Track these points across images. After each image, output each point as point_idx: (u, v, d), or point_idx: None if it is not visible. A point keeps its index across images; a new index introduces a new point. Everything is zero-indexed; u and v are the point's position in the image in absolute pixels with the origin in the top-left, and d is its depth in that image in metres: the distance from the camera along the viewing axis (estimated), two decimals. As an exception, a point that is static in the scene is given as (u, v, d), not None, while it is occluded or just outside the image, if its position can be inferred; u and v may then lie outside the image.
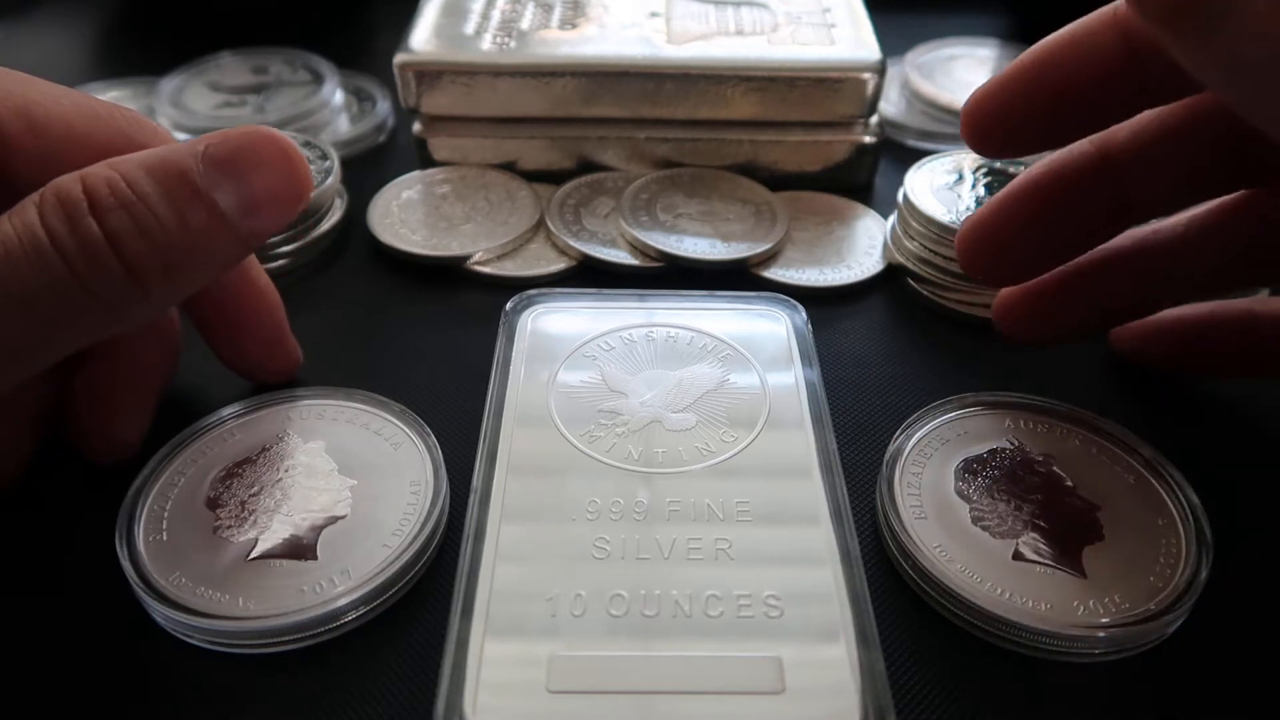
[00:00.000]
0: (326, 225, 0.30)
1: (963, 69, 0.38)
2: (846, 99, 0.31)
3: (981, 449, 0.23)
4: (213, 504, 0.21)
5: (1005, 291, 0.25)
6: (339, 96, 0.36)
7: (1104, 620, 0.19)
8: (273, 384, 0.25)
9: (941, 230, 0.27)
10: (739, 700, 0.17)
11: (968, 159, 0.30)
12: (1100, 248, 0.23)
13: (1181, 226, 0.22)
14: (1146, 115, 0.21)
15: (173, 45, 0.39)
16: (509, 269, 0.29)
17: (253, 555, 0.20)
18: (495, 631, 0.18)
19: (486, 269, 0.29)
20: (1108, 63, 0.20)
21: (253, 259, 0.23)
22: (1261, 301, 0.24)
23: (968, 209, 0.28)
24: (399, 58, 0.30)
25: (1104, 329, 0.26)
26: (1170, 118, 0.21)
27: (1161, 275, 0.23)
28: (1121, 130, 0.21)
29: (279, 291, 0.24)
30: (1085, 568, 0.20)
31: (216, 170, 0.19)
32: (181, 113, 0.34)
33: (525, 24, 0.32)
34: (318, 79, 0.37)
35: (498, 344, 0.25)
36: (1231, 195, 0.22)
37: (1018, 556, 0.20)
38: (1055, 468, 0.22)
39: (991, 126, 0.21)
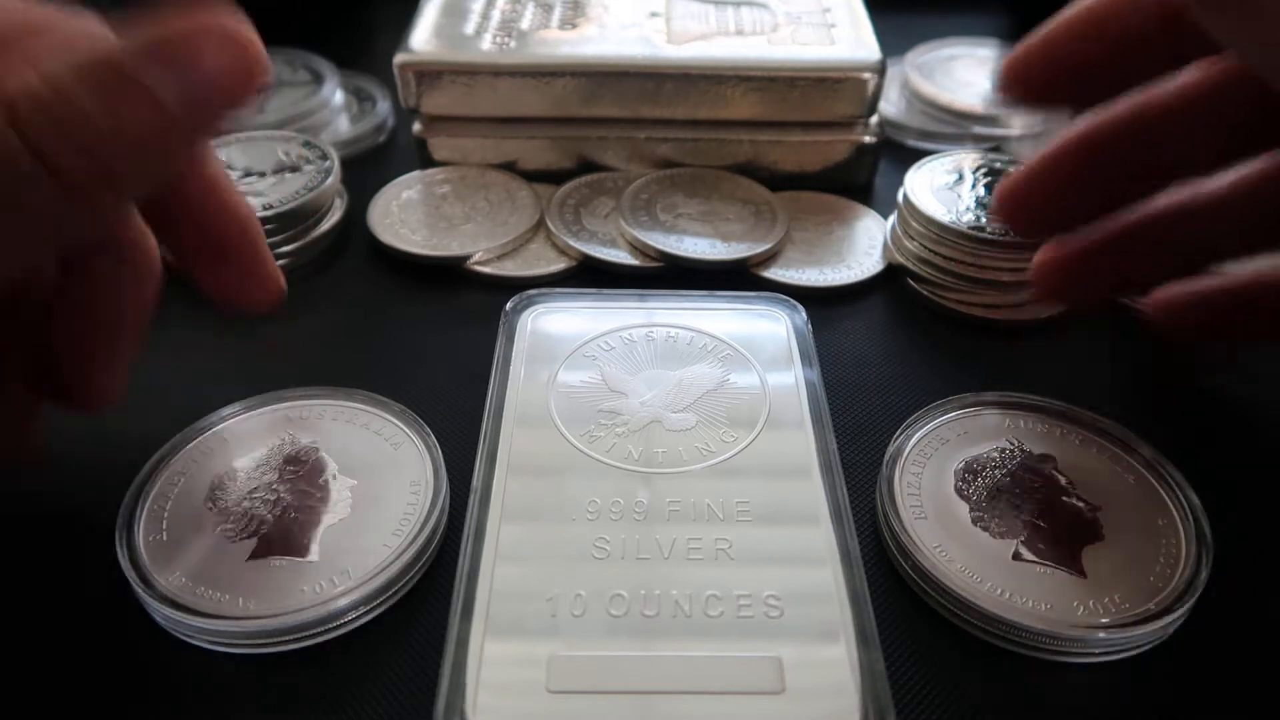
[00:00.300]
0: (326, 225, 0.30)
1: (963, 69, 0.38)
2: (846, 99, 0.31)
3: (981, 449, 0.23)
4: (213, 504, 0.21)
5: (1045, 252, 0.24)
6: (339, 96, 0.36)
7: (1104, 620, 0.19)
8: (256, 313, 0.23)
9: (941, 230, 0.27)
10: (739, 700, 0.17)
11: (968, 159, 0.30)
12: (1142, 209, 0.23)
13: (1225, 187, 0.22)
14: (1186, 74, 0.21)
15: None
16: (509, 269, 0.29)
17: (252, 555, 0.20)
18: (495, 631, 0.18)
19: (486, 269, 0.29)
20: (1147, 27, 0.20)
21: (228, 181, 0.22)
22: None
23: (968, 209, 0.28)
24: (399, 58, 0.30)
25: (1143, 291, 0.26)
26: (1209, 77, 0.21)
27: (1204, 235, 0.23)
28: (1161, 89, 0.21)
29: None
30: (1085, 568, 0.20)
31: (151, 58, 0.17)
32: (181, 113, 0.34)
33: (525, 24, 0.32)
34: (318, 79, 0.37)
35: (498, 344, 0.25)
36: (1273, 154, 0.22)
37: (1018, 556, 0.20)
38: (1055, 468, 0.22)
39: (1032, 80, 0.22)
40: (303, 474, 0.22)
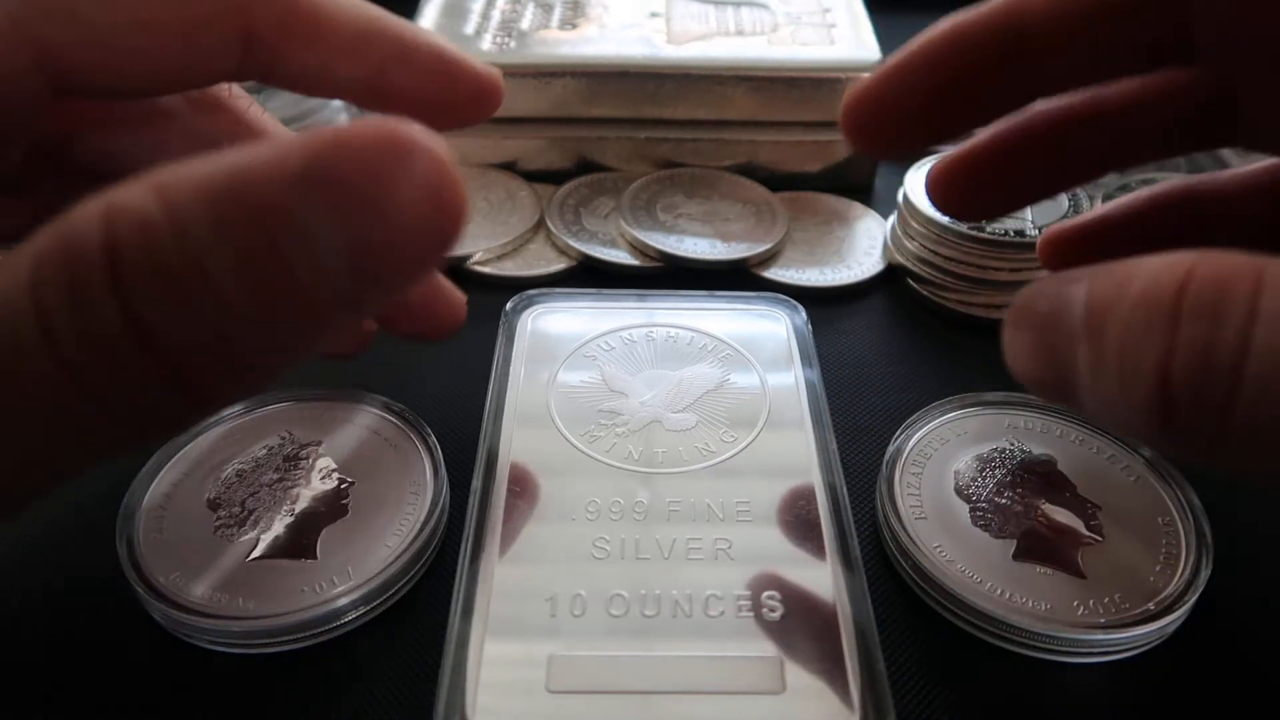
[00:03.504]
0: (326, 225, 0.30)
1: (963, 69, 0.38)
2: (846, 99, 0.31)
3: (981, 449, 0.23)
4: (213, 504, 0.21)
5: (943, 163, 0.21)
6: (339, 96, 0.36)
7: (1104, 620, 0.19)
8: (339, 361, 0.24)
9: (941, 230, 0.27)
10: (739, 700, 0.17)
11: (968, 159, 0.30)
12: (1030, 113, 0.19)
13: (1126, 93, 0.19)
14: None
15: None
16: (509, 269, 0.29)
17: (253, 555, 0.20)
18: (495, 631, 0.18)
19: (486, 269, 0.29)
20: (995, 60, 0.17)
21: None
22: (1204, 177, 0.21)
23: (968, 209, 0.28)
24: (399, 58, 0.30)
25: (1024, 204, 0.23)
26: None
27: (1108, 139, 0.19)
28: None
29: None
30: (1085, 568, 0.20)
31: (314, 192, 0.11)
32: (181, 113, 0.34)
33: (525, 24, 0.32)
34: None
35: (498, 344, 0.25)
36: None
37: (1018, 557, 0.20)
38: (1055, 468, 0.22)
39: (874, 116, 0.18)
40: (302, 474, 0.22)
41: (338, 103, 0.36)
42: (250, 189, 0.11)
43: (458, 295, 0.22)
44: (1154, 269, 0.13)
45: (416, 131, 0.12)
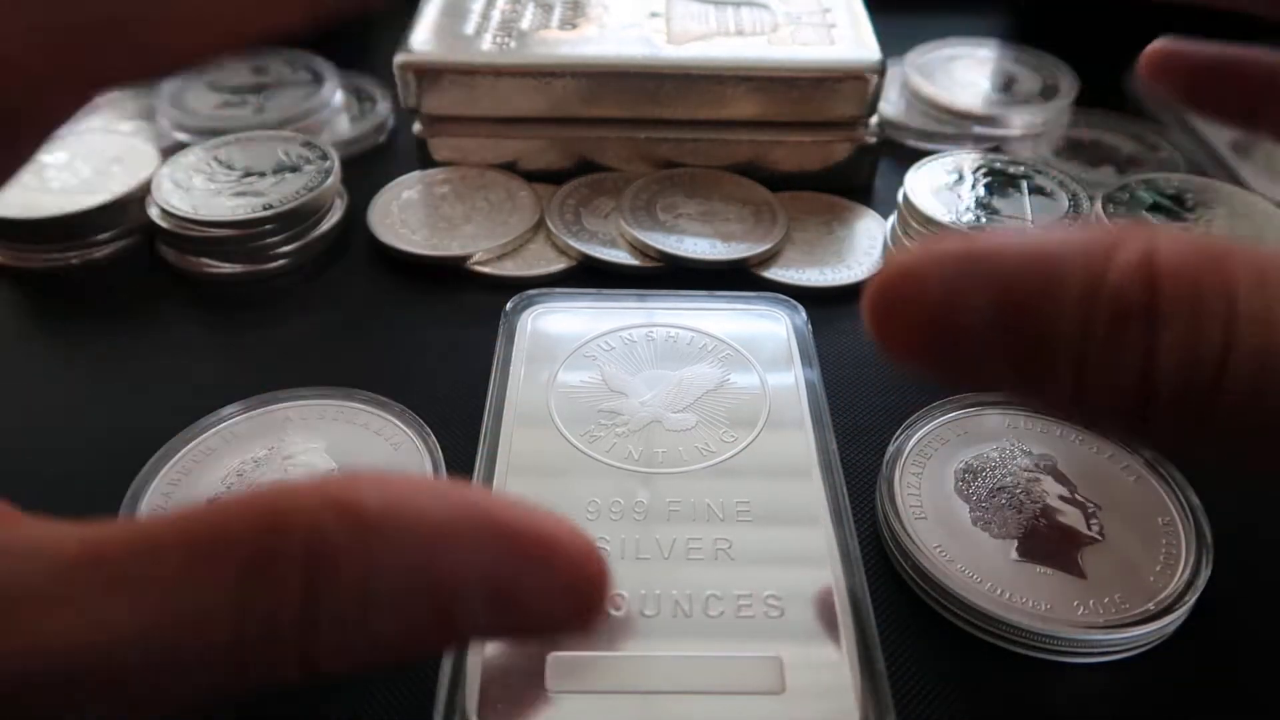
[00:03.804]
0: (326, 225, 0.30)
1: (963, 69, 0.38)
2: (846, 99, 0.31)
3: (981, 449, 0.23)
4: (213, 504, 0.21)
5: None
6: (339, 96, 0.36)
7: (1104, 620, 0.19)
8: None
9: (941, 230, 0.27)
10: (739, 700, 0.17)
11: (968, 159, 0.30)
12: None
13: None
14: None
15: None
16: (509, 269, 0.29)
17: (253, 555, 0.20)
18: (495, 631, 0.18)
19: (486, 269, 0.29)
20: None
21: None
22: None
23: (968, 209, 0.28)
24: (399, 58, 0.30)
25: None
26: None
27: None
28: None
29: (278, 291, 0.24)
30: (1085, 568, 0.20)
31: (482, 589, 0.12)
32: (182, 113, 0.34)
33: (525, 24, 0.32)
34: (318, 79, 0.36)
35: (498, 344, 0.25)
36: None
37: (1017, 557, 0.20)
38: (1055, 467, 0.22)
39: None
40: (303, 474, 0.22)
41: (337, 103, 0.36)
42: (437, 561, 0.12)
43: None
44: (1101, 248, 0.11)
45: (568, 529, 0.12)
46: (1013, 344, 0.12)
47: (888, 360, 0.13)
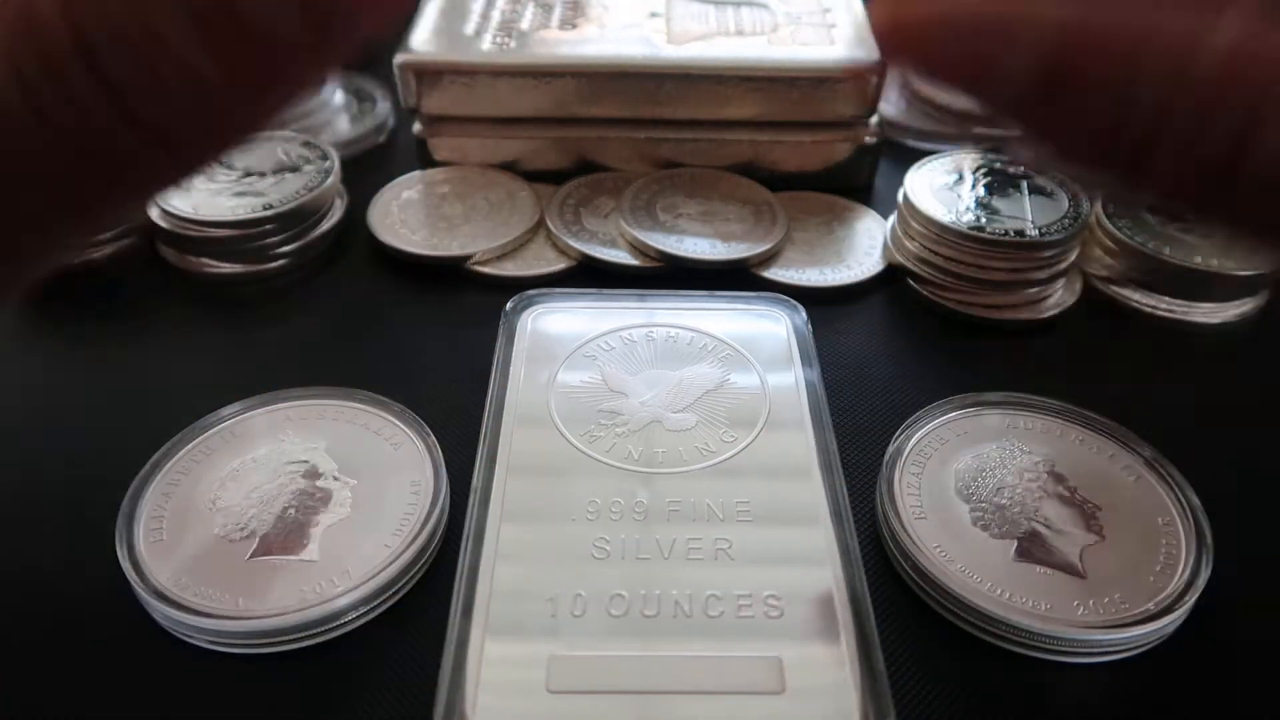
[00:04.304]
0: (326, 225, 0.30)
1: (963, 69, 0.38)
2: (846, 99, 0.31)
3: (981, 449, 0.23)
4: (213, 504, 0.21)
5: None
6: (339, 96, 0.36)
7: (1104, 620, 0.19)
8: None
9: (941, 230, 0.27)
10: (739, 700, 0.17)
11: (968, 159, 0.30)
12: None
13: None
14: None
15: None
16: (509, 269, 0.29)
17: (252, 555, 0.20)
18: (495, 631, 0.18)
19: (486, 269, 0.29)
20: None
21: None
22: None
23: (968, 209, 0.28)
24: (399, 58, 0.30)
25: None
26: None
27: None
28: None
29: (278, 291, 0.24)
30: (1085, 568, 0.20)
31: None
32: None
33: (525, 24, 0.32)
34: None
35: (498, 344, 0.25)
36: None
37: (1018, 557, 0.20)
38: (1055, 468, 0.22)
39: None
40: (303, 474, 0.22)
41: (338, 103, 0.36)
42: None
43: None
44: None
45: None
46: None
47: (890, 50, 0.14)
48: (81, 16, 0.11)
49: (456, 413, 0.24)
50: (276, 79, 0.12)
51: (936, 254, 0.28)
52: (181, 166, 0.13)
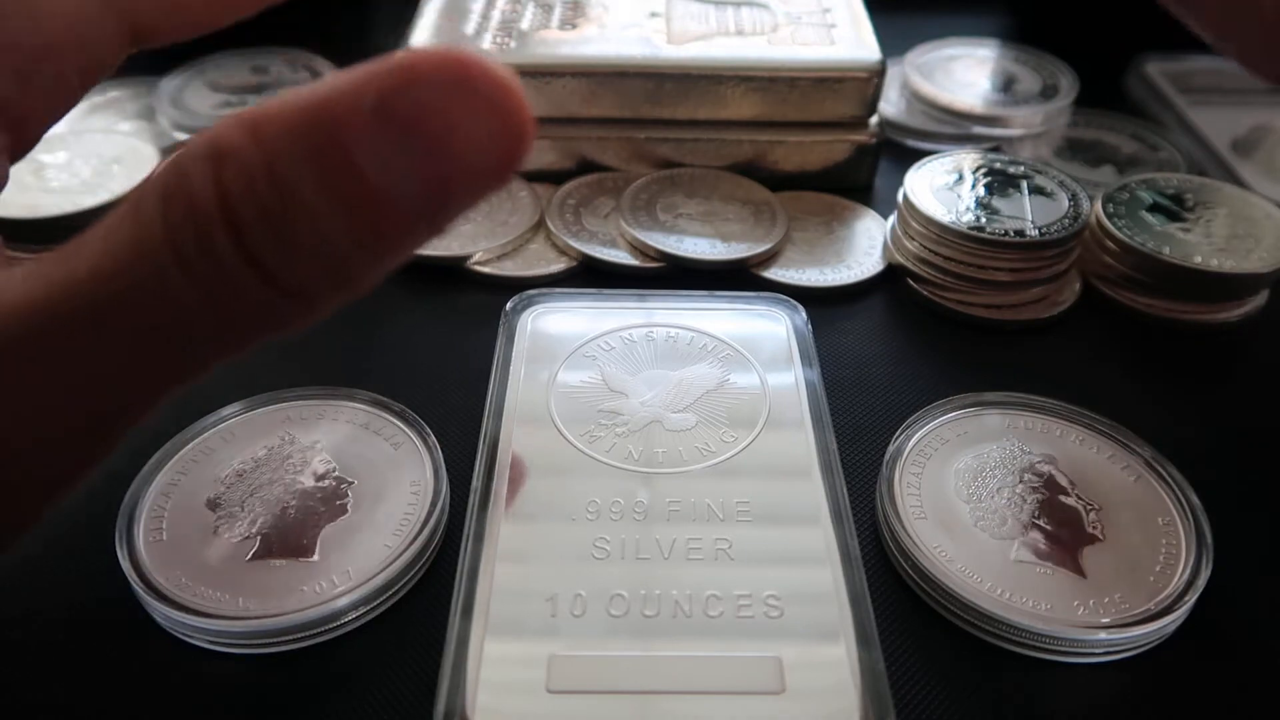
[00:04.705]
0: (326, 225, 0.30)
1: (963, 69, 0.38)
2: (846, 99, 0.31)
3: (981, 449, 0.23)
4: (213, 504, 0.21)
5: None
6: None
7: (1104, 620, 0.19)
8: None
9: (941, 230, 0.27)
10: (739, 700, 0.17)
11: (968, 159, 0.30)
12: None
13: None
14: None
15: (173, 45, 0.39)
16: (509, 269, 0.29)
17: (252, 555, 0.20)
18: (495, 631, 0.18)
19: (486, 269, 0.29)
20: None
21: None
22: None
23: (968, 209, 0.28)
24: (399, 58, 0.30)
25: None
26: None
27: None
28: None
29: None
30: (1085, 568, 0.20)
31: (394, 136, 0.12)
32: (182, 113, 0.34)
33: (525, 24, 0.32)
34: (317, 79, 0.36)
35: (498, 344, 0.25)
36: None
37: (1018, 557, 0.20)
38: (1055, 468, 0.22)
39: None
40: (303, 474, 0.22)
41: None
42: (331, 126, 0.12)
43: None
44: None
45: (480, 59, 0.12)
46: None
47: None
48: (229, 186, 0.12)
49: (456, 413, 0.24)
50: (398, 245, 0.14)
51: (936, 254, 0.28)
52: (311, 316, 0.14)
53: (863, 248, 0.30)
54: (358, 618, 0.19)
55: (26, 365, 0.13)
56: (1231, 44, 0.17)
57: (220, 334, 0.14)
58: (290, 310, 0.14)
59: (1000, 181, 0.29)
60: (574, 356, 0.25)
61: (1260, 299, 0.28)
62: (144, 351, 0.14)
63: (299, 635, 0.19)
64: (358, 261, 0.13)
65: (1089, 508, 0.21)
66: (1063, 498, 0.21)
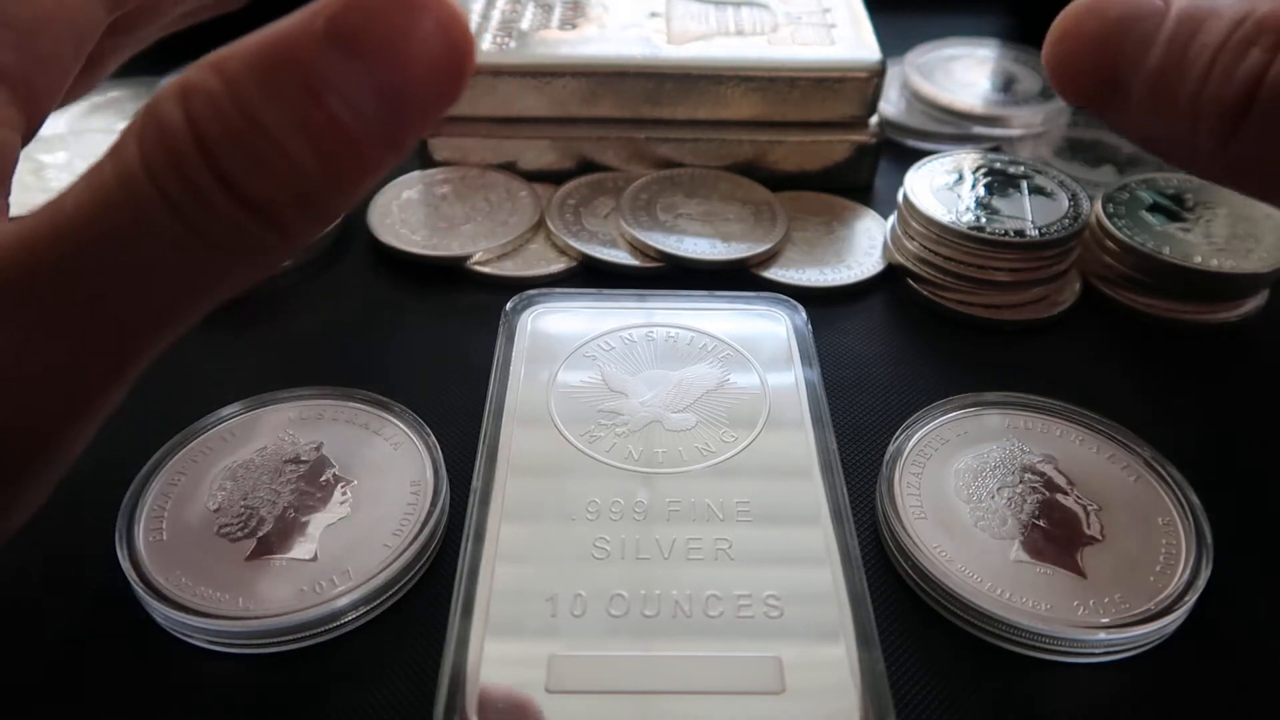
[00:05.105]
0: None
1: (963, 69, 0.38)
2: (846, 99, 0.31)
3: (981, 449, 0.23)
4: (213, 504, 0.21)
5: None
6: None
7: (1104, 620, 0.19)
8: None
9: (941, 230, 0.27)
10: (739, 700, 0.17)
11: (968, 159, 0.30)
12: None
13: None
14: None
15: (173, 45, 0.39)
16: (509, 269, 0.29)
17: (252, 555, 0.20)
18: (495, 631, 0.18)
19: (486, 269, 0.29)
20: None
21: None
22: None
23: (968, 209, 0.28)
24: (399, 58, 0.30)
25: None
26: None
27: None
28: None
29: (278, 291, 0.24)
30: (1085, 568, 0.20)
31: (345, 55, 0.13)
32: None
33: (525, 24, 0.32)
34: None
35: (498, 344, 0.25)
36: None
37: (1017, 557, 0.20)
38: (1055, 468, 0.22)
39: None
40: (303, 474, 0.22)
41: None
42: (286, 53, 0.13)
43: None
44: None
45: None
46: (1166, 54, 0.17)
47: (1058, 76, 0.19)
48: (197, 114, 0.13)
49: (456, 413, 0.24)
50: (362, 165, 0.14)
51: (936, 254, 0.28)
52: (287, 244, 0.15)
53: (863, 248, 0.30)
54: (358, 618, 0.19)
55: (16, 305, 0.14)
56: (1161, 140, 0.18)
57: (204, 267, 0.14)
58: (267, 237, 0.14)
59: (1000, 181, 0.29)
60: (574, 356, 0.25)
61: (1260, 299, 0.28)
62: (131, 288, 0.14)
63: (299, 635, 0.19)
64: (325, 183, 0.14)
65: (1089, 508, 0.21)
66: (1062, 498, 0.21)
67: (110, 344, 0.15)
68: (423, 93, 0.14)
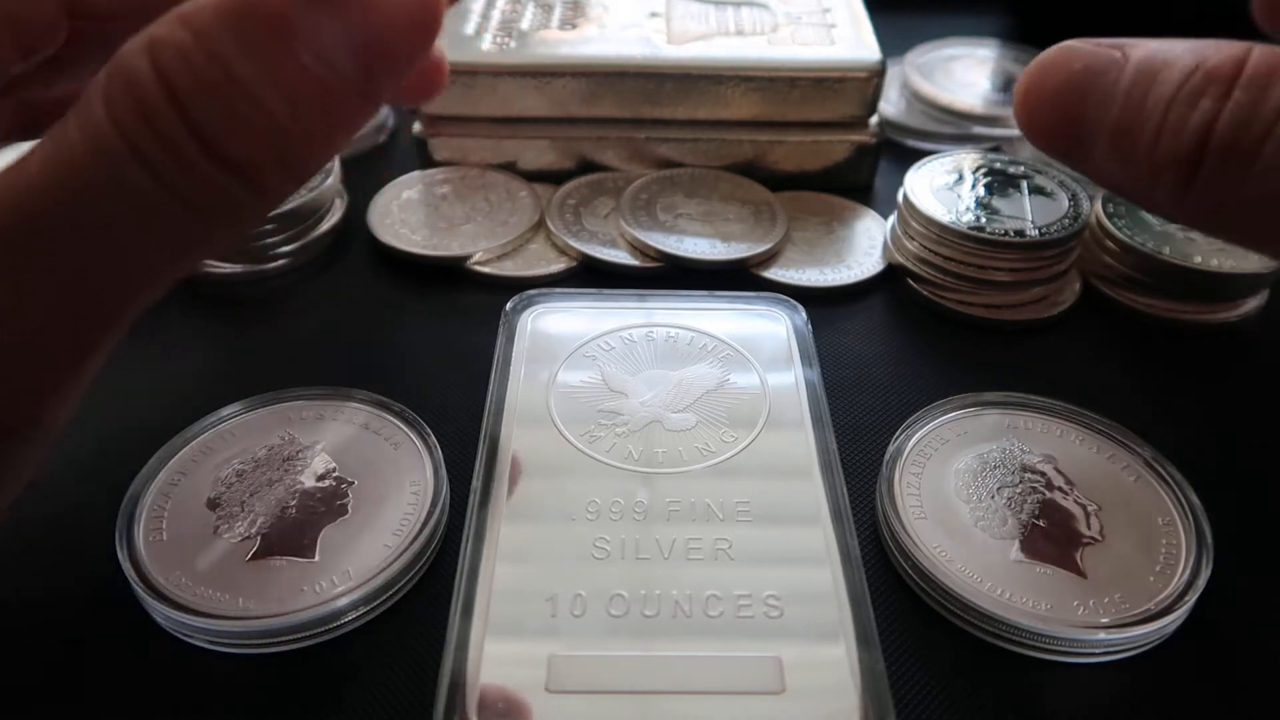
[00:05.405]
0: (326, 225, 0.30)
1: (963, 69, 0.38)
2: (846, 99, 0.31)
3: (981, 449, 0.23)
4: (213, 504, 0.21)
5: None
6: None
7: (1104, 620, 0.19)
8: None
9: (941, 230, 0.27)
10: (739, 700, 0.17)
11: (968, 159, 0.30)
12: None
13: None
14: None
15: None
16: (509, 269, 0.29)
17: (252, 555, 0.20)
18: (495, 631, 0.18)
19: (486, 269, 0.29)
20: None
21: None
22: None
23: (968, 209, 0.28)
24: (399, 58, 0.30)
25: None
26: None
27: None
28: None
29: (278, 291, 0.24)
30: (1085, 568, 0.20)
31: (315, 5, 0.13)
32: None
33: (525, 24, 0.32)
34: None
35: (498, 344, 0.25)
36: None
37: (1017, 557, 0.20)
38: (1055, 467, 0.22)
39: None
40: (303, 474, 0.22)
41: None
42: (257, 6, 0.13)
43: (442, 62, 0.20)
44: (1215, 47, 0.16)
45: None
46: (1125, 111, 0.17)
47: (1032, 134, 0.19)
48: (167, 67, 0.13)
49: (456, 413, 0.24)
50: (336, 119, 0.14)
51: (936, 254, 0.28)
52: (264, 201, 0.15)
53: (863, 248, 0.30)
54: (358, 618, 0.19)
55: None
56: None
57: (181, 226, 0.14)
58: (241, 191, 0.14)
59: (1000, 181, 0.29)
60: (574, 356, 0.25)
61: (1260, 299, 0.28)
62: (105, 250, 0.14)
63: (299, 635, 0.19)
64: (298, 134, 0.14)
65: (1088, 508, 0.21)
66: (1062, 498, 0.21)
67: (85, 309, 0.14)
68: (394, 43, 0.14)
